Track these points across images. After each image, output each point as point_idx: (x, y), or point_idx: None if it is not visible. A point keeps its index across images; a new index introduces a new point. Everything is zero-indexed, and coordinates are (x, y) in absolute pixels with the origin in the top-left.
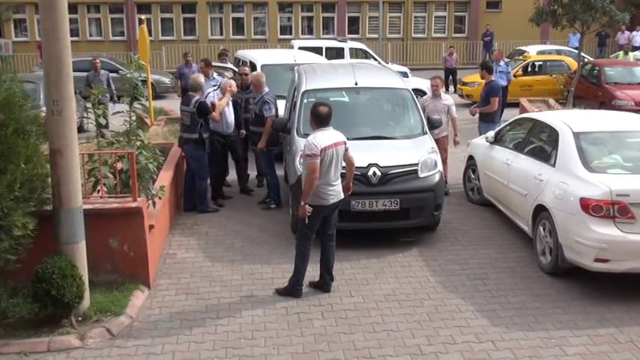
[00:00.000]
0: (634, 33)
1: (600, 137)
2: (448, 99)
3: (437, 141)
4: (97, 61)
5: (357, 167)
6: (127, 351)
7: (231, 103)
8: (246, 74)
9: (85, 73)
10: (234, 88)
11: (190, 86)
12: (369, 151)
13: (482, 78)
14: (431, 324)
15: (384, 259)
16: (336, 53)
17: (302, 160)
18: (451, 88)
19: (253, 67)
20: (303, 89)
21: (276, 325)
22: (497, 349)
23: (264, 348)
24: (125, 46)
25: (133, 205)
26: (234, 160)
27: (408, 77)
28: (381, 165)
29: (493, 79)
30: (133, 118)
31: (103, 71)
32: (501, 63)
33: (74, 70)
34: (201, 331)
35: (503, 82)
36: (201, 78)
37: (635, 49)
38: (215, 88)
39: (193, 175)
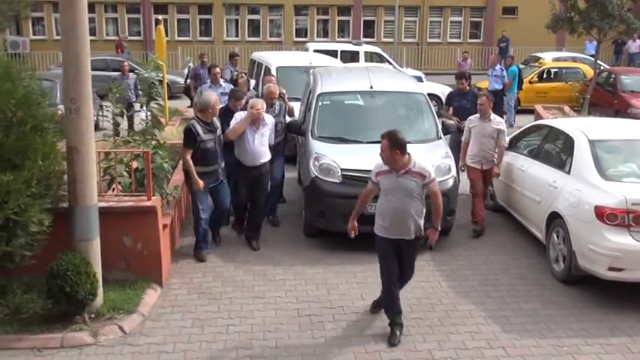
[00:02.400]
0: None
1: (616, 145)
2: (500, 123)
3: (484, 172)
4: (125, 63)
5: (370, 170)
6: (139, 349)
7: (270, 127)
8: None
9: (102, 72)
10: (260, 111)
11: (199, 106)
12: None
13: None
14: (442, 329)
15: None
16: (351, 56)
17: (428, 183)
18: None
19: (267, 70)
20: (318, 92)
21: (287, 327)
22: (509, 356)
23: (275, 349)
24: (141, 46)
25: (148, 204)
26: (250, 201)
27: (422, 82)
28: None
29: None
30: (149, 117)
31: (131, 74)
32: (497, 67)
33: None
34: (213, 330)
35: (498, 86)
36: (213, 96)
37: None
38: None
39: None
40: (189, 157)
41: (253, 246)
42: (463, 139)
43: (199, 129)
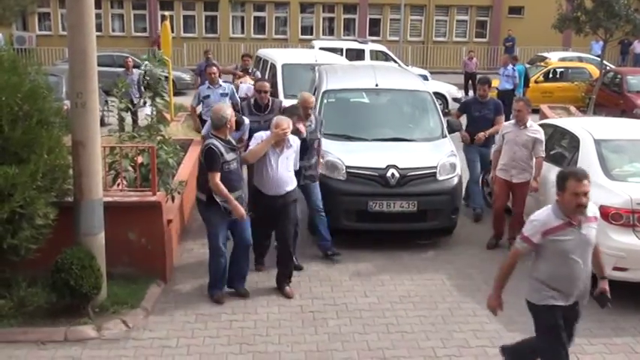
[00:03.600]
0: None
1: (621, 145)
2: (537, 131)
3: (514, 186)
4: (129, 59)
5: (375, 168)
6: (143, 343)
7: (296, 149)
8: (265, 91)
9: (107, 68)
10: (287, 131)
11: (213, 123)
12: (388, 152)
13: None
14: (445, 327)
15: (400, 261)
16: (356, 55)
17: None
18: (470, 92)
19: (273, 67)
20: (323, 89)
21: (290, 323)
22: None
23: (278, 345)
24: (147, 42)
25: (152, 199)
26: (277, 238)
27: (428, 80)
28: (399, 167)
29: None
30: (155, 112)
31: (135, 70)
32: (508, 67)
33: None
34: (216, 326)
35: (509, 86)
36: (229, 110)
37: None
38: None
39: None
40: (218, 180)
41: (287, 293)
42: (495, 147)
43: (222, 148)
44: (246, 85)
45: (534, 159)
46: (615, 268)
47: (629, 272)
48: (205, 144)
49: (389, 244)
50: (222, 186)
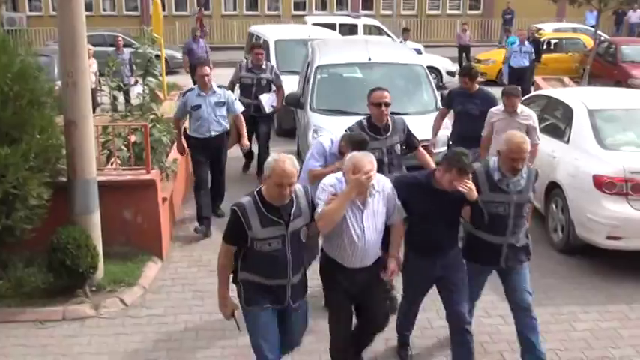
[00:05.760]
0: None
1: (615, 114)
2: (529, 117)
3: None
4: (120, 38)
5: None
6: (140, 320)
7: (388, 191)
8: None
9: (99, 48)
10: (371, 175)
11: (265, 172)
12: None
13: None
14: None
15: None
16: (349, 30)
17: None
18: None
19: (265, 43)
20: (316, 64)
21: None
22: (507, 324)
23: None
24: (138, 21)
25: (147, 177)
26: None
27: (421, 54)
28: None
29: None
30: (147, 91)
31: (125, 50)
32: (526, 43)
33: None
34: (214, 302)
35: (526, 62)
36: (289, 164)
37: None
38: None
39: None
40: (226, 255)
41: None
42: (484, 133)
43: (254, 217)
44: (268, 96)
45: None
46: (609, 237)
47: (623, 241)
48: (233, 207)
49: None
50: (226, 271)
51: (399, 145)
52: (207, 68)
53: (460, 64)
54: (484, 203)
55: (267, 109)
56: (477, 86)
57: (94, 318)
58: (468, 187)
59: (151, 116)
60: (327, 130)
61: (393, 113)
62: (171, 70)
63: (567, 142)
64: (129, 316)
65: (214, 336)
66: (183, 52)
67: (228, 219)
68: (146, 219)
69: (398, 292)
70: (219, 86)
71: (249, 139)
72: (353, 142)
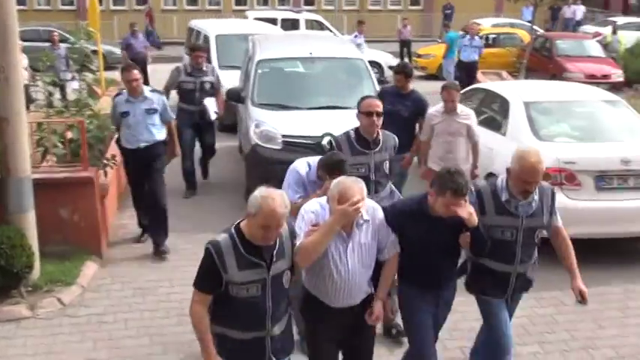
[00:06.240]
0: (575, 7)
1: (549, 107)
2: (468, 116)
3: None
4: (55, 33)
5: (311, 136)
6: (79, 320)
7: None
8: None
9: (34, 43)
10: (360, 206)
11: (249, 209)
12: (323, 120)
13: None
14: None
15: None
16: (291, 25)
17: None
18: (406, 60)
19: (206, 38)
20: (257, 59)
21: None
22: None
23: None
24: (74, 16)
25: (84, 174)
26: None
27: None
28: (335, 134)
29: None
30: (84, 87)
31: (62, 45)
32: (476, 38)
33: (21, 40)
34: (154, 299)
35: (475, 57)
36: (279, 202)
37: (577, 23)
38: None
39: None
40: (201, 307)
41: None
42: (423, 137)
43: (231, 258)
44: (213, 101)
45: (471, 145)
46: None
47: None
48: (207, 245)
49: None
50: (204, 323)
51: (387, 163)
52: (135, 72)
53: (401, 59)
54: (488, 227)
55: (213, 116)
56: (411, 87)
57: (31, 319)
58: (467, 210)
59: (88, 112)
60: (269, 124)
61: (334, 108)
62: (109, 66)
63: (504, 134)
64: (67, 316)
65: (156, 333)
66: (121, 47)
67: (201, 260)
68: (83, 217)
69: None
70: (153, 91)
71: (191, 149)
72: (328, 165)
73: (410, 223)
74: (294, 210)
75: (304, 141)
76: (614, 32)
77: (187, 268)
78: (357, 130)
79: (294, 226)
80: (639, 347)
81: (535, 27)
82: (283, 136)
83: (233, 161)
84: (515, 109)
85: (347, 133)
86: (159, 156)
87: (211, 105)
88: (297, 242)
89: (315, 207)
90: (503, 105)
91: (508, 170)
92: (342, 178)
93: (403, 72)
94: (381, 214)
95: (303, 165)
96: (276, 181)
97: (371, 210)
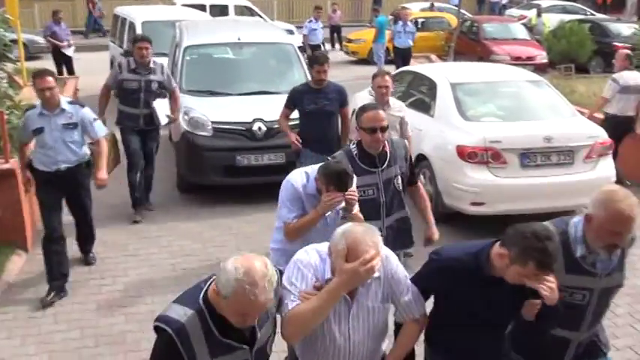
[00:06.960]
0: None
1: (475, 88)
2: (401, 110)
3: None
4: None
5: (242, 122)
6: (6, 317)
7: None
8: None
9: None
10: (375, 264)
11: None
12: (253, 105)
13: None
14: None
15: (273, 214)
16: (220, 11)
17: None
18: (337, 45)
19: (132, 25)
20: (184, 45)
21: (162, 282)
22: None
23: (151, 305)
24: None
25: (6, 166)
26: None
27: (293, 34)
28: (265, 120)
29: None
30: (3, 77)
31: None
32: (408, 23)
33: None
34: (85, 292)
35: (410, 43)
36: (259, 275)
37: (503, 7)
38: None
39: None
40: None
41: None
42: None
43: (201, 345)
44: (165, 103)
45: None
46: (473, 204)
47: (486, 206)
48: (163, 328)
49: (259, 197)
50: None
51: (400, 178)
52: (49, 79)
53: (332, 44)
54: None
55: (164, 120)
56: (327, 80)
57: None
58: (549, 287)
59: (8, 103)
60: (198, 111)
61: (264, 93)
62: (31, 56)
63: (432, 115)
64: None
65: (86, 326)
66: (44, 34)
67: (153, 346)
68: (7, 210)
69: None
70: (72, 102)
71: (139, 158)
72: (328, 174)
73: (462, 285)
74: (290, 233)
75: (234, 127)
76: (539, 15)
77: (119, 259)
78: (359, 144)
79: (282, 283)
80: None
81: (463, 11)
82: (213, 122)
83: (162, 150)
84: (443, 90)
85: (347, 150)
86: (83, 180)
87: (161, 108)
88: (287, 306)
89: (314, 259)
90: (431, 87)
91: (588, 217)
92: (349, 227)
93: (326, 62)
94: (394, 263)
95: (300, 176)
96: (207, 168)
97: (382, 262)
